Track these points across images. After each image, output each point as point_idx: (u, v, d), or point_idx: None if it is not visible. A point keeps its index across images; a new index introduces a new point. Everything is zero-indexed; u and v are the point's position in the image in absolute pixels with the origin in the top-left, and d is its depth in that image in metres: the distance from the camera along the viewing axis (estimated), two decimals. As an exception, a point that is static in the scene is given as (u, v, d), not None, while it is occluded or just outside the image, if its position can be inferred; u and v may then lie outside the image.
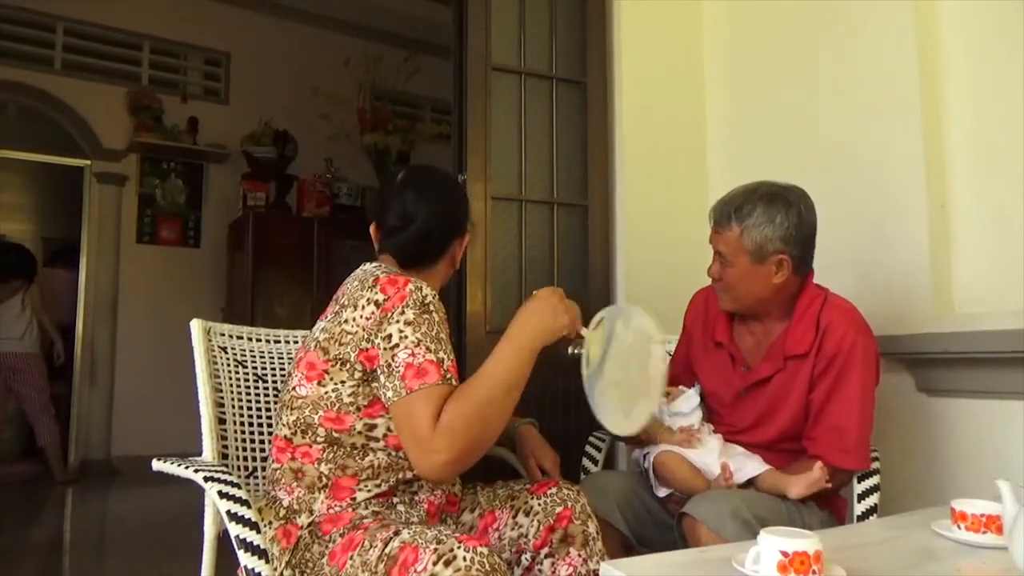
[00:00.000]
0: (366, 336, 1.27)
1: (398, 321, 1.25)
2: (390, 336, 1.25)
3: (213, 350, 1.59)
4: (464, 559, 1.06)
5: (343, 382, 1.30)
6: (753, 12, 2.58)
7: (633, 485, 1.72)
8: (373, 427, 1.30)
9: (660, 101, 2.67)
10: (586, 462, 1.95)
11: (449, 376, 1.24)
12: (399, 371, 1.22)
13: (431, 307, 1.29)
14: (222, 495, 1.25)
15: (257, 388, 1.63)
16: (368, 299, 1.29)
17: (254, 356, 1.66)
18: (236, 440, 1.56)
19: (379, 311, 1.27)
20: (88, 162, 5.34)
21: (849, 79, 2.21)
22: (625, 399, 1.43)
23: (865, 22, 2.17)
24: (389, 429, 1.30)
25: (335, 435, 1.31)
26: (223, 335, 1.63)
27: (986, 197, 1.96)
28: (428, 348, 1.24)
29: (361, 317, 1.28)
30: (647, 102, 2.63)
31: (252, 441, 1.59)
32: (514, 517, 1.43)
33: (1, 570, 2.97)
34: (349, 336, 1.29)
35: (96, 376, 5.22)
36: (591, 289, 2.53)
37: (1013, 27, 1.90)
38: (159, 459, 1.43)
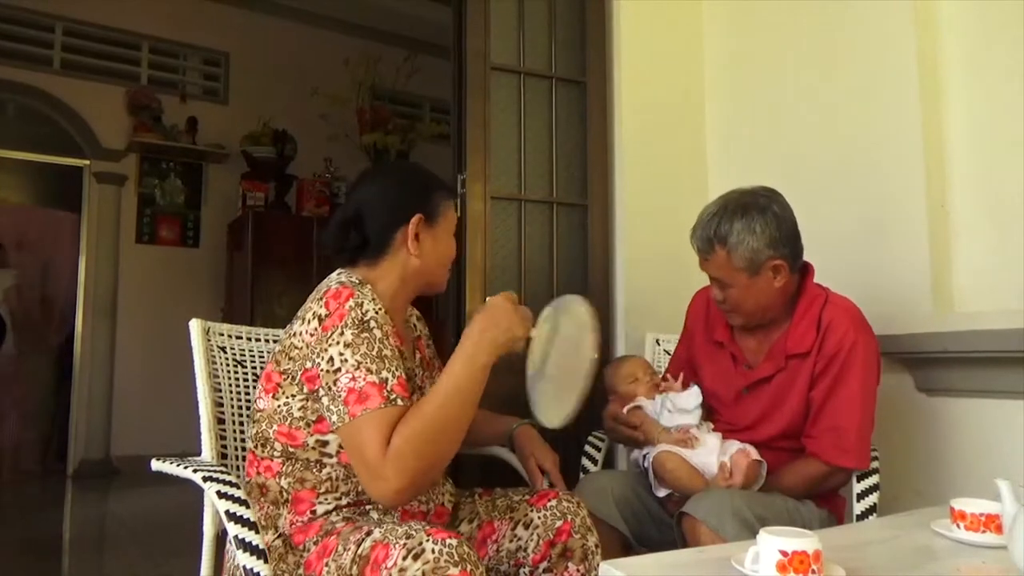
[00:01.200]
0: (309, 354, 1.25)
1: (337, 343, 1.22)
2: (332, 359, 1.22)
3: (212, 350, 1.58)
4: (432, 551, 1.06)
5: (293, 396, 1.29)
6: (753, 11, 2.58)
7: (632, 485, 1.72)
8: (325, 443, 1.28)
9: (660, 100, 2.67)
10: (585, 462, 1.95)
11: (394, 396, 1.20)
12: (341, 395, 1.19)
13: (371, 324, 1.24)
14: (220, 495, 1.24)
15: (256, 388, 1.62)
16: (314, 312, 1.27)
17: (253, 356, 1.65)
18: (235, 440, 1.55)
19: (320, 328, 1.24)
20: (87, 162, 5.34)
21: (848, 78, 2.21)
22: (560, 390, 1.40)
23: (865, 20, 2.17)
24: (341, 446, 1.27)
25: (291, 450, 1.29)
26: (222, 335, 1.62)
27: (985, 196, 1.96)
28: (369, 370, 1.20)
29: (306, 332, 1.26)
30: (647, 102, 2.63)
31: (250, 441, 1.58)
32: (513, 529, 1.42)
33: (0, 569, 2.97)
34: (296, 351, 1.28)
35: (95, 376, 5.22)
36: (590, 289, 2.53)
37: (1012, 26, 1.90)
38: (158, 459, 1.42)
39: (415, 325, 1.58)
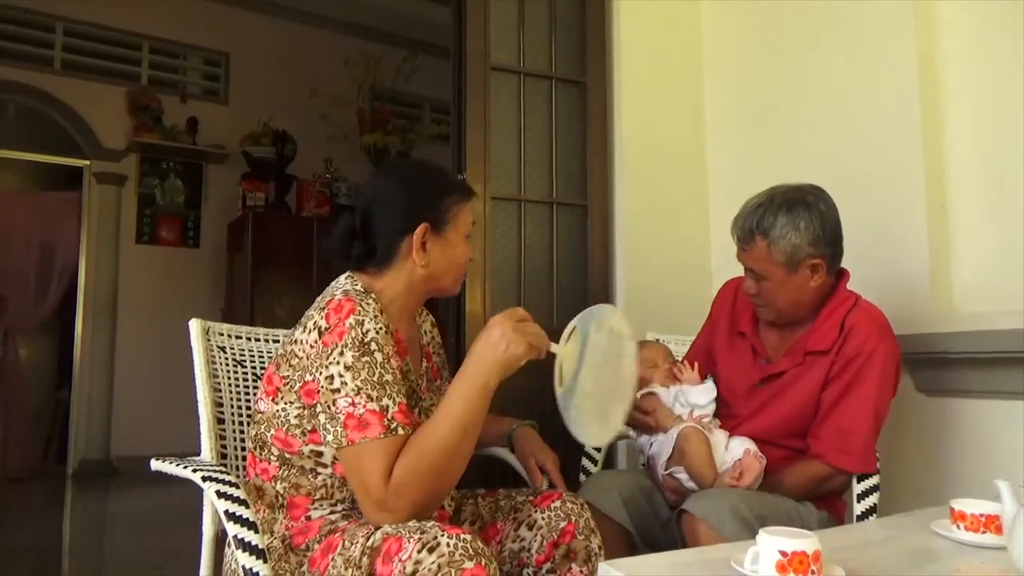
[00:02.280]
0: (309, 366, 1.23)
1: (337, 363, 1.19)
2: (331, 378, 1.19)
3: (212, 350, 1.58)
4: (447, 544, 1.06)
5: (291, 403, 1.27)
6: (752, 11, 2.58)
7: (636, 483, 1.71)
8: (320, 453, 1.27)
9: (659, 100, 2.67)
10: (586, 462, 1.95)
11: (395, 425, 1.17)
12: (340, 418, 1.18)
13: (372, 346, 1.21)
14: (220, 495, 1.24)
15: (256, 388, 1.62)
16: (315, 323, 1.24)
17: (253, 356, 1.65)
18: (235, 440, 1.55)
19: (320, 341, 1.22)
20: (88, 162, 5.34)
21: (849, 78, 2.21)
22: (600, 406, 1.33)
23: (865, 20, 2.17)
24: (336, 457, 1.25)
25: (287, 455, 1.29)
26: (222, 335, 1.62)
27: (985, 197, 1.96)
28: (369, 396, 1.17)
29: (307, 342, 1.24)
30: (646, 101, 2.63)
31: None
32: (516, 530, 1.41)
33: (1, 570, 2.97)
34: (297, 360, 1.26)
35: (95, 376, 5.22)
36: (590, 288, 2.53)
37: (1012, 27, 1.90)
38: (157, 459, 1.42)
39: (427, 331, 1.55)
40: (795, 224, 1.56)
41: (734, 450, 1.60)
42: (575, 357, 1.33)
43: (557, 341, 1.33)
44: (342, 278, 1.36)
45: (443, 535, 1.07)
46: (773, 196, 1.61)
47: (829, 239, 1.59)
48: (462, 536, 1.08)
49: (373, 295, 1.29)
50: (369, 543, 1.12)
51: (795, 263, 1.58)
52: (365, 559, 1.11)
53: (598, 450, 1.96)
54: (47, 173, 6.15)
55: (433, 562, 1.04)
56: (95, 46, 5.41)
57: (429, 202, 1.36)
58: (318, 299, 1.32)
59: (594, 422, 1.34)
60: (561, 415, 1.32)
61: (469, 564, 1.05)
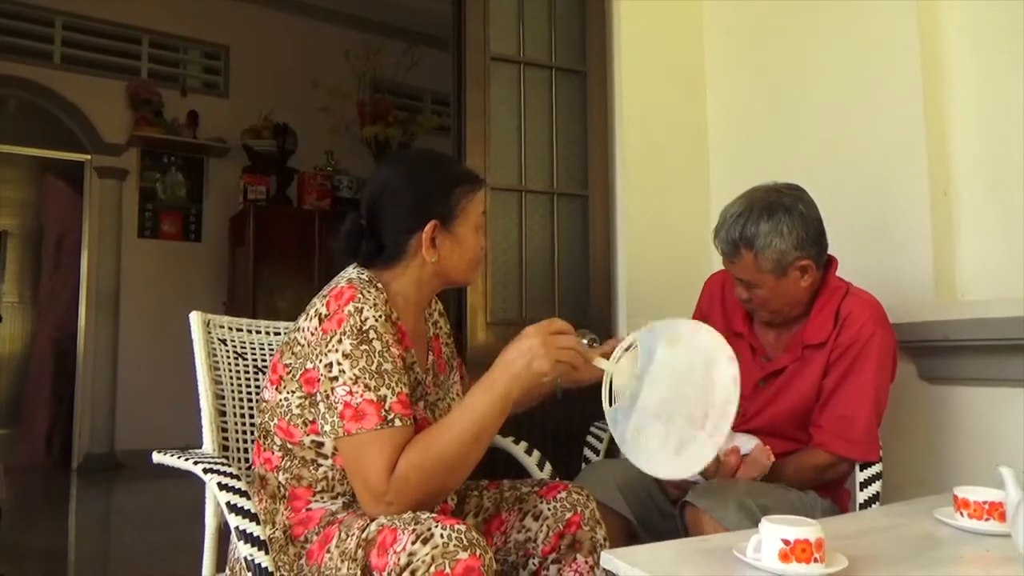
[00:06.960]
0: (310, 354, 1.23)
1: (336, 351, 1.18)
2: (330, 366, 1.19)
3: (213, 342, 1.58)
4: (441, 536, 1.06)
5: (293, 392, 1.27)
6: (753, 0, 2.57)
7: (635, 473, 1.70)
8: (321, 444, 1.27)
9: (660, 90, 2.65)
10: (588, 452, 1.95)
11: (392, 417, 1.16)
12: (337, 407, 1.17)
13: (370, 335, 1.20)
14: (222, 487, 1.24)
15: (257, 380, 1.62)
16: (316, 310, 1.24)
17: (254, 348, 1.65)
18: (236, 432, 1.55)
19: (320, 328, 1.21)
20: (88, 157, 5.35)
21: (851, 65, 2.20)
22: (673, 434, 1.25)
23: (868, 7, 2.15)
24: (335, 449, 1.25)
25: (288, 446, 1.29)
26: (223, 327, 1.62)
27: (988, 184, 1.95)
28: (367, 386, 1.17)
29: (308, 330, 1.24)
30: (647, 91, 2.62)
31: (252, 433, 1.58)
32: (521, 520, 1.41)
33: (5, 563, 2.98)
34: (299, 347, 1.26)
35: (98, 371, 5.24)
36: (592, 279, 2.53)
37: (1015, 12, 1.88)
38: (159, 451, 1.42)
39: (437, 322, 1.53)
40: (778, 230, 1.55)
41: (742, 446, 1.60)
42: (629, 373, 1.28)
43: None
44: (350, 268, 1.36)
45: (437, 526, 1.07)
46: (751, 203, 1.59)
47: (813, 239, 1.58)
48: (456, 527, 1.08)
49: (379, 285, 1.29)
50: (364, 535, 1.12)
51: (783, 268, 1.58)
52: (360, 551, 1.11)
53: (600, 440, 1.95)
54: (48, 168, 6.16)
55: (427, 553, 1.04)
56: (95, 40, 5.40)
57: (437, 197, 1.33)
58: (325, 286, 1.32)
59: (666, 451, 1.27)
60: (615, 439, 1.27)
61: (463, 555, 1.05)
